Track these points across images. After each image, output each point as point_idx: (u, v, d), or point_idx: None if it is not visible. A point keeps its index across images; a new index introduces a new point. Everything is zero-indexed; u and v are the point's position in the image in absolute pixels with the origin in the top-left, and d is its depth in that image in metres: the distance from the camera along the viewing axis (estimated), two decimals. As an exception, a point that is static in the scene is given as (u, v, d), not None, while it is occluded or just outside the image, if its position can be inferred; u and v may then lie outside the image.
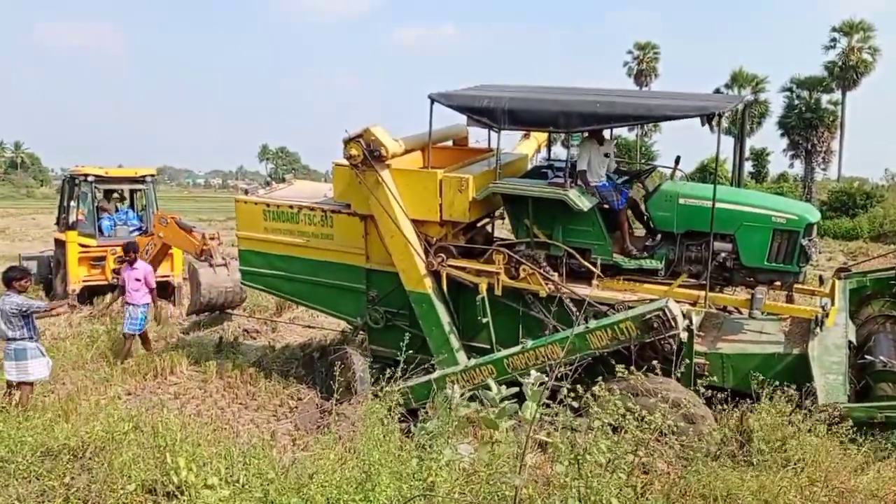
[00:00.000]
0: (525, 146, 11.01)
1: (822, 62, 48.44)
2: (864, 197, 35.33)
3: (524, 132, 10.79)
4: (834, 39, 47.98)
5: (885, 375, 7.38)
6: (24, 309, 8.27)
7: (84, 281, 15.26)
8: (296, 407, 9.61)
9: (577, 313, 8.10)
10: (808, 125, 45.79)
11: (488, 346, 8.87)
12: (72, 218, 15.36)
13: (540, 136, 11.10)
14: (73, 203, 15.49)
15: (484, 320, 8.76)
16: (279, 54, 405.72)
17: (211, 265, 13.09)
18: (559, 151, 11.13)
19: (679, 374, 7.25)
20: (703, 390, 6.22)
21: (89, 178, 15.40)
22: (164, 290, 15.65)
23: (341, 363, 9.23)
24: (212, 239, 13.38)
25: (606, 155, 8.98)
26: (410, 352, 6.86)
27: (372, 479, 4.11)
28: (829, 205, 35.50)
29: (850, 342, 7.93)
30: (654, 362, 6.70)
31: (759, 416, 5.95)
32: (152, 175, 16.44)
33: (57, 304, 9.69)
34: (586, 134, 8.85)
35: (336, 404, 7.61)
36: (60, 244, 15.54)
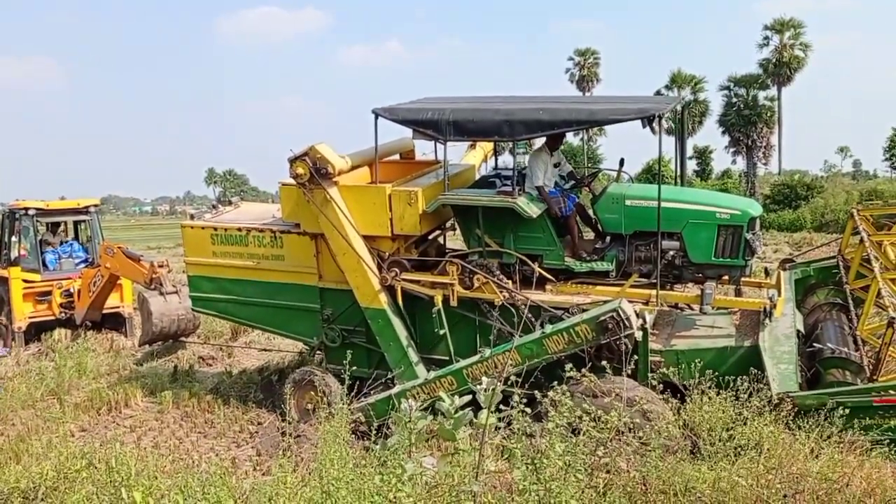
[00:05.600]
0: (472, 156, 11.08)
1: (756, 60, 49.90)
2: (805, 189, 36.24)
3: (470, 143, 10.86)
4: (767, 37, 49.46)
5: (833, 362, 7.60)
6: None
7: (30, 317, 14.93)
8: (256, 432, 9.47)
9: (533, 319, 8.16)
10: (747, 122, 47.06)
11: (447, 358, 8.88)
12: (14, 253, 14.97)
13: (486, 146, 11.18)
14: (14, 238, 15.08)
15: (441, 332, 8.77)
16: (225, 77, 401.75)
17: (161, 293, 12.93)
18: (507, 160, 11.30)
19: (632, 372, 7.33)
20: (658, 385, 6.30)
21: (30, 212, 15.02)
22: (115, 321, 15.40)
23: (309, 384, 9.16)
24: (161, 266, 13.21)
25: (556, 165, 9.09)
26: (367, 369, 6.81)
27: (332, 498, 4.07)
28: (772, 198, 36.40)
29: (798, 331, 8.12)
30: (605, 363, 6.79)
31: (701, 409, 6.05)
32: (96, 205, 16.12)
33: None
34: (537, 145, 8.91)
35: (296, 426, 7.51)
36: (3, 281, 15.13)
